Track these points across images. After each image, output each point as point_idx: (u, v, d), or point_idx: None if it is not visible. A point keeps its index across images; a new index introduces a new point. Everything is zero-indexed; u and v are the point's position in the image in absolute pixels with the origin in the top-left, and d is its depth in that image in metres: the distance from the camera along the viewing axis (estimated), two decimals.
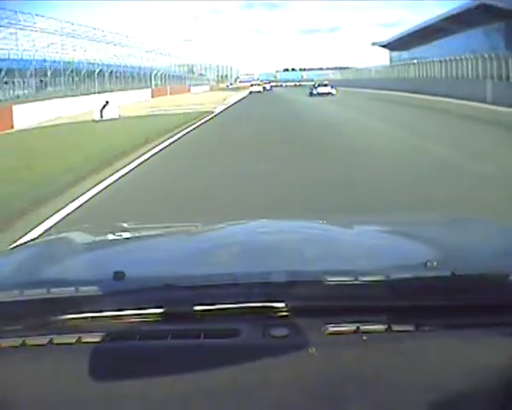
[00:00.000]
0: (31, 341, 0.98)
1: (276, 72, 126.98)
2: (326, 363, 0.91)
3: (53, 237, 1.83)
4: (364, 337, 0.95)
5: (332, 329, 0.97)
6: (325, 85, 51.72)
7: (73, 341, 0.97)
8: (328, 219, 1.90)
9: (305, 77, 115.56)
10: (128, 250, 1.56)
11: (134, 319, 1.01)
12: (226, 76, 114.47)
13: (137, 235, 1.78)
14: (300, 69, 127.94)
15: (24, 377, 0.92)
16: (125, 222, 1.89)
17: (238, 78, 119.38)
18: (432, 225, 1.85)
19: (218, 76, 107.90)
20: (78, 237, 1.71)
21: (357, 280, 1.04)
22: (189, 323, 1.00)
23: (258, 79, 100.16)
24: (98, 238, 1.74)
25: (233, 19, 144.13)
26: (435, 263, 1.10)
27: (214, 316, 1.01)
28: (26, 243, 1.82)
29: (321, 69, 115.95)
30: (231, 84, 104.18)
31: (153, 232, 1.84)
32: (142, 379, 0.89)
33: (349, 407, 0.85)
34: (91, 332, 0.99)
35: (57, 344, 0.97)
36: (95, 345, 0.96)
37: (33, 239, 1.83)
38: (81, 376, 0.91)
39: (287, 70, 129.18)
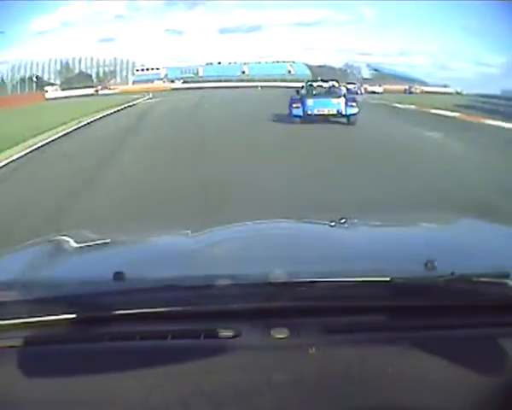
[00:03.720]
0: (31, 340, 0.98)
1: (199, 66, 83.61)
2: (326, 363, 0.91)
3: (53, 237, 1.79)
4: (364, 337, 0.95)
5: (332, 329, 0.97)
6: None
7: (73, 341, 0.98)
8: (328, 220, 1.86)
9: (247, 73, 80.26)
10: (128, 250, 1.58)
11: (134, 319, 1.01)
12: (110, 73, 76.19)
13: (137, 235, 1.78)
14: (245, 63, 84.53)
15: (24, 376, 0.92)
16: (124, 222, 2.06)
17: (133, 74, 78.66)
18: (432, 225, 1.88)
19: (97, 72, 74.43)
20: (78, 237, 1.72)
21: (356, 280, 1.04)
22: (189, 323, 1.00)
23: (166, 76, 77.53)
24: (98, 238, 1.73)
25: (153, 18, 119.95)
26: (435, 263, 1.10)
27: (214, 316, 1.01)
28: (26, 243, 1.74)
29: (277, 62, 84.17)
30: (102, 89, 62.10)
31: (153, 232, 1.83)
32: (143, 379, 0.90)
33: (349, 406, 0.86)
34: (91, 332, 0.99)
35: (57, 344, 0.98)
36: (95, 345, 0.97)
37: (33, 239, 1.75)
38: (81, 375, 0.91)
39: (219, 63, 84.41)
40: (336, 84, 18.95)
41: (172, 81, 74.53)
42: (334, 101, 16.77)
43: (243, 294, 1.04)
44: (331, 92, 17.91)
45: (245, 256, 1.36)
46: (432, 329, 0.99)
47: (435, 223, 1.92)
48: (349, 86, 63.28)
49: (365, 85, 65.26)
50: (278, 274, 1.05)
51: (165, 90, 60.14)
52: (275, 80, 75.27)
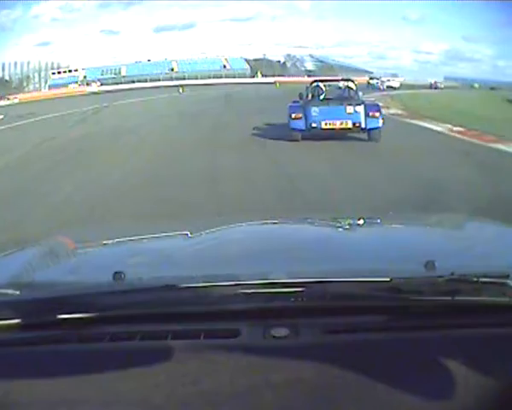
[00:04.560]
0: (31, 341, 0.98)
1: (122, 65, 74.60)
2: (326, 363, 0.91)
3: (53, 237, 1.80)
4: (364, 337, 0.95)
5: (332, 329, 0.97)
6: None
7: (73, 341, 0.98)
8: (328, 220, 1.92)
9: (176, 70, 72.81)
10: (128, 250, 1.57)
11: (134, 319, 1.01)
12: (27, 78, 66.14)
13: (137, 235, 1.76)
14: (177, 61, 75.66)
15: (24, 376, 0.92)
16: (124, 222, 2.06)
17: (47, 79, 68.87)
18: (432, 225, 1.86)
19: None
20: (78, 237, 1.73)
21: (357, 280, 1.04)
22: (189, 323, 1.00)
23: (85, 78, 67.10)
24: (98, 238, 1.73)
25: (89, 19, 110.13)
26: (435, 263, 1.10)
27: (214, 316, 1.01)
28: (26, 243, 1.77)
29: (210, 57, 75.62)
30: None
31: (152, 232, 1.81)
32: (143, 379, 0.90)
33: (349, 406, 0.86)
34: (91, 332, 0.99)
35: (57, 344, 0.98)
36: (95, 345, 0.97)
37: (33, 240, 1.79)
38: (81, 375, 0.91)
39: (149, 61, 76.87)
40: (352, 85, 13.20)
41: (88, 84, 63.72)
42: (350, 109, 11.75)
43: (243, 294, 1.02)
44: (346, 97, 12.64)
45: (245, 256, 1.35)
46: (432, 329, 0.98)
47: (435, 223, 1.91)
48: (371, 81, 56.46)
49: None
50: (278, 274, 1.06)
51: (83, 95, 49.64)
52: (208, 77, 66.32)
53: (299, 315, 1.01)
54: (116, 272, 1.08)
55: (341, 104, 11.97)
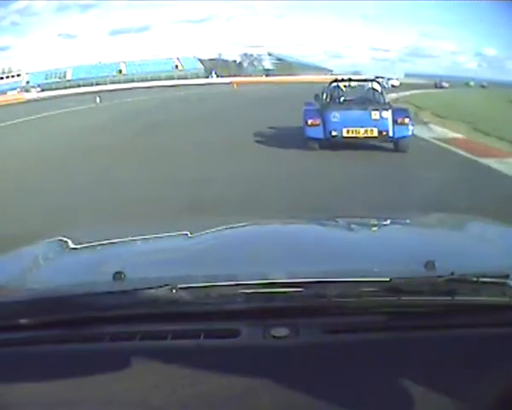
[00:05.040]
0: (31, 340, 0.98)
1: (67, 68, 69.58)
2: (326, 363, 0.91)
3: (53, 237, 1.76)
4: (364, 337, 0.95)
5: (332, 329, 0.97)
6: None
7: (73, 341, 0.98)
8: (328, 220, 1.91)
9: (124, 71, 68.75)
10: (128, 250, 1.57)
11: (134, 319, 1.01)
12: None
13: (137, 235, 1.74)
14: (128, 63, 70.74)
15: (24, 376, 0.92)
16: (124, 222, 2.04)
17: None
18: (432, 225, 1.86)
19: None
20: (78, 237, 1.72)
21: (357, 280, 1.04)
22: (189, 323, 1.00)
23: (28, 83, 61.28)
24: (98, 238, 1.72)
25: (46, 23, 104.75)
26: (435, 263, 1.10)
27: (214, 316, 1.01)
28: (26, 244, 1.75)
29: (162, 57, 71.14)
30: None
31: (152, 232, 1.80)
32: (143, 379, 0.90)
33: (349, 406, 0.86)
34: (91, 332, 0.99)
35: (57, 344, 0.98)
36: (95, 345, 0.97)
37: (33, 240, 1.75)
38: (81, 376, 0.91)
39: (100, 63, 70.17)
40: (377, 86, 11.39)
41: (27, 90, 57.99)
42: (376, 115, 9.86)
43: (243, 294, 1.02)
44: (370, 100, 10.67)
45: (245, 256, 1.35)
46: (432, 329, 0.98)
47: (435, 223, 1.91)
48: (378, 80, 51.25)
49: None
50: (278, 274, 1.07)
51: (20, 103, 43.95)
52: (159, 78, 61.61)
53: (299, 315, 1.01)
54: (116, 272, 1.08)
55: (365, 109, 10.21)
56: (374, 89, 11.32)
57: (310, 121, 10.31)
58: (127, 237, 1.69)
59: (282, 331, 0.96)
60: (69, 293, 1.05)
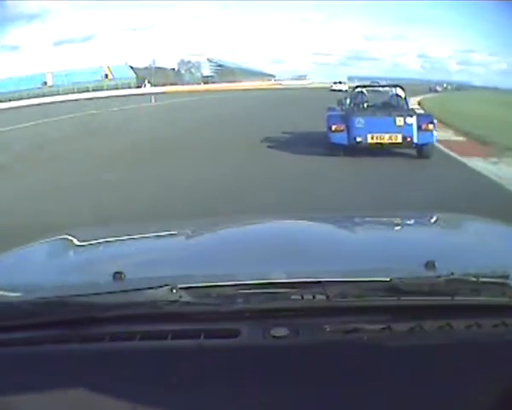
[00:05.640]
0: (31, 340, 0.98)
1: None
2: (326, 363, 0.91)
3: (53, 237, 1.76)
4: (364, 337, 0.95)
5: (332, 329, 0.97)
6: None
7: (73, 341, 0.97)
8: (328, 219, 1.91)
9: (49, 83, 59.98)
10: (128, 250, 1.56)
11: (134, 319, 1.00)
12: None
13: (137, 235, 1.75)
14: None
15: (24, 376, 0.92)
16: (125, 222, 2.02)
17: None
18: (432, 225, 1.87)
19: None
20: (78, 237, 1.70)
21: (357, 280, 1.05)
22: (189, 323, 1.00)
23: None
24: (98, 238, 1.72)
25: None
26: (435, 263, 1.10)
27: (214, 316, 1.01)
28: (25, 244, 1.73)
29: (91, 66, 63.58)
30: None
31: (153, 232, 1.80)
32: (143, 379, 0.89)
33: (349, 406, 0.86)
34: (91, 332, 0.99)
35: (57, 344, 0.97)
36: (94, 345, 0.96)
37: (34, 240, 1.73)
38: (81, 375, 0.91)
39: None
40: (401, 92, 11.34)
41: None
42: (400, 121, 9.93)
43: (243, 294, 1.02)
44: (394, 106, 10.77)
45: (245, 256, 1.34)
46: (432, 329, 0.98)
47: (435, 223, 1.90)
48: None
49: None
50: (278, 274, 1.06)
51: None
52: (87, 89, 55.29)
53: (299, 315, 1.00)
54: (116, 272, 1.08)
55: (390, 115, 10.19)
56: (398, 95, 11.26)
57: (334, 127, 10.26)
58: (127, 236, 1.69)
59: (281, 331, 0.95)
60: (69, 293, 1.04)
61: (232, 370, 0.90)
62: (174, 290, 1.00)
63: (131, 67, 66.61)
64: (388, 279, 1.01)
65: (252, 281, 1.05)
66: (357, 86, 12.25)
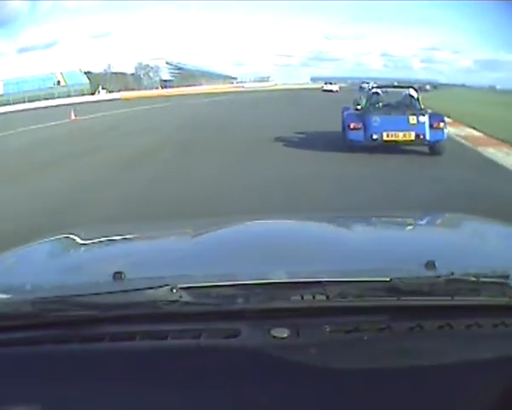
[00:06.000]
0: (31, 340, 0.98)
1: None
2: (326, 363, 0.91)
3: (53, 237, 1.76)
4: (364, 337, 0.95)
5: (332, 329, 0.97)
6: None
7: (73, 341, 0.97)
8: (328, 219, 1.91)
9: (1, 92, 56.17)
10: (128, 250, 1.57)
11: (134, 319, 1.00)
12: None
13: (137, 235, 1.76)
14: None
15: (24, 376, 0.92)
16: (125, 222, 1.99)
17: None
18: (432, 225, 1.88)
19: None
20: (78, 236, 1.69)
21: (357, 280, 1.05)
22: (189, 323, 1.00)
23: None
24: (98, 238, 1.71)
25: None
26: (435, 263, 1.10)
27: (214, 316, 1.01)
28: (25, 244, 1.72)
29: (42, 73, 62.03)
30: None
31: (153, 232, 1.81)
32: (143, 379, 0.89)
33: (349, 406, 0.86)
34: (91, 332, 0.98)
35: (57, 344, 0.97)
36: (94, 345, 0.96)
37: (34, 240, 1.72)
38: (81, 375, 0.91)
39: None
40: (414, 93, 11.97)
41: None
42: (414, 119, 10.74)
43: (243, 294, 1.02)
44: (407, 106, 11.51)
45: (245, 256, 1.34)
46: (432, 329, 0.97)
47: (435, 223, 1.91)
48: (363, 85, 48.70)
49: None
50: (278, 274, 1.06)
51: None
52: (38, 98, 52.09)
53: (299, 315, 1.00)
54: (116, 272, 1.09)
55: (404, 114, 10.96)
56: (411, 95, 11.83)
57: (352, 125, 11.03)
58: (127, 236, 1.69)
59: (282, 332, 0.95)
60: (69, 293, 1.04)
61: (232, 370, 0.90)
62: (174, 290, 0.99)
63: (86, 73, 63.42)
64: (388, 279, 1.01)
65: (252, 281, 1.05)
66: (372, 87, 13.13)
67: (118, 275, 1.08)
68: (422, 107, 11.56)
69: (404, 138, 10.75)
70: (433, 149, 10.92)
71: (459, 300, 0.99)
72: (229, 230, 1.68)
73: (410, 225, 1.90)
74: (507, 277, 1.02)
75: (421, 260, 1.12)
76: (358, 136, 10.93)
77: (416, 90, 12.18)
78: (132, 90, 54.29)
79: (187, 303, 1.00)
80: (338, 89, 53.18)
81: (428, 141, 10.78)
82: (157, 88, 56.29)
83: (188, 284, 1.03)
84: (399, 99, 12.06)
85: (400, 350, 0.93)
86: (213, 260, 1.30)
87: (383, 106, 11.75)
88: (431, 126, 10.74)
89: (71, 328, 0.98)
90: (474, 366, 0.91)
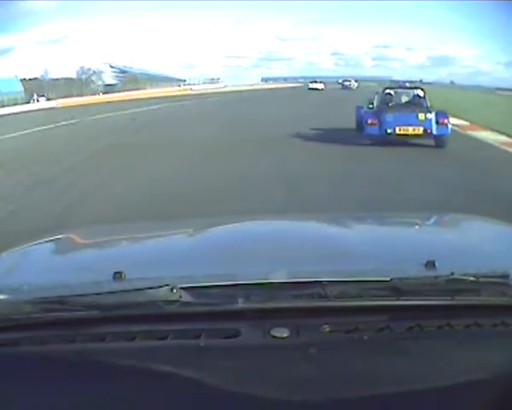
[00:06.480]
0: (31, 340, 0.98)
1: None
2: (326, 363, 0.91)
3: (53, 237, 1.77)
4: (364, 337, 0.95)
5: (332, 329, 0.97)
6: None
7: (73, 341, 0.97)
8: (328, 219, 1.91)
9: None
10: (128, 250, 1.57)
11: (134, 319, 1.00)
12: None
13: (137, 235, 1.75)
14: None
15: (24, 376, 0.92)
16: (125, 222, 2.00)
17: None
18: (432, 225, 1.87)
19: None
20: (79, 237, 1.71)
21: (357, 280, 1.05)
22: (189, 323, 1.00)
23: None
24: (98, 238, 1.72)
25: None
26: (435, 263, 1.11)
27: (214, 316, 1.01)
28: (25, 244, 1.71)
29: None
30: None
31: (152, 232, 1.81)
32: (143, 379, 0.89)
33: (349, 406, 0.86)
34: (91, 332, 0.98)
35: (57, 344, 0.97)
36: (95, 345, 0.96)
37: (33, 240, 1.71)
38: (81, 375, 0.91)
39: None
40: (421, 93, 13.62)
41: None
42: (422, 116, 12.47)
43: (243, 294, 1.02)
44: (417, 104, 13.14)
45: (245, 256, 1.34)
46: (432, 329, 0.97)
47: (435, 223, 1.91)
48: (345, 83, 58.72)
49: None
50: (278, 274, 1.06)
51: None
52: None
53: (299, 315, 1.00)
54: (116, 272, 1.08)
55: (413, 111, 12.54)
56: (419, 95, 13.45)
57: (369, 121, 12.75)
58: (127, 236, 1.69)
59: (282, 332, 0.95)
60: (69, 293, 1.04)
61: (232, 370, 0.90)
62: (174, 290, 1.00)
63: (22, 80, 59.15)
64: (388, 279, 1.01)
65: (252, 281, 1.05)
66: (385, 88, 14.58)
67: (118, 275, 1.08)
68: (429, 105, 13.06)
69: (414, 132, 12.39)
70: (438, 141, 12.45)
71: (459, 300, 1.00)
72: (229, 230, 1.68)
73: (410, 225, 1.89)
74: (507, 277, 1.02)
75: (421, 260, 1.13)
76: (375, 130, 12.62)
77: (423, 90, 13.81)
78: (75, 96, 50.53)
79: (187, 303, 1.00)
80: (323, 87, 55.80)
81: (434, 135, 12.37)
82: (98, 94, 52.89)
83: (188, 284, 1.03)
84: (409, 98, 13.80)
85: (400, 350, 0.93)
86: (213, 260, 1.30)
87: (395, 104, 13.35)
88: (437, 122, 12.33)
89: (71, 328, 0.99)
90: (473, 365, 0.90)
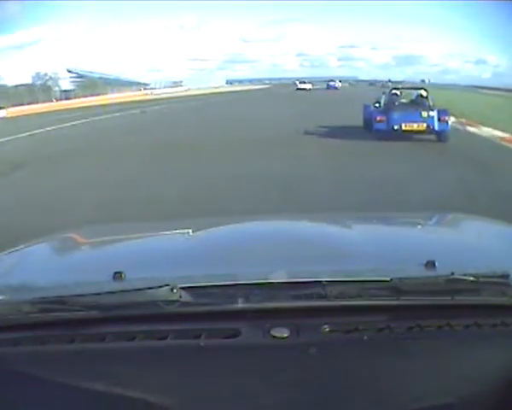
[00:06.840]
0: (31, 340, 0.98)
1: None
2: (326, 363, 0.91)
3: (53, 237, 1.77)
4: (364, 337, 0.95)
5: (332, 329, 0.97)
6: None
7: (73, 341, 0.97)
8: (328, 219, 1.90)
9: None
10: (128, 250, 1.56)
11: (134, 319, 1.00)
12: None
13: (137, 235, 1.74)
14: None
15: (24, 376, 0.91)
16: (125, 222, 2.00)
17: None
18: (432, 225, 1.87)
19: None
20: (78, 237, 1.69)
21: (357, 280, 1.05)
22: (189, 323, 1.00)
23: None
24: (98, 238, 1.71)
25: None
26: (435, 263, 1.11)
27: (214, 316, 1.01)
28: (25, 244, 1.70)
29: None
30: None
31: (153, 232, 1.80)
32: (143, 379, 0.89)
33: (349, 406, 0.86)
34: (91, 332, 0.98)
35: (57, 344, 0.97)
36: (94, 345, 0.96)
37: (33, 240, 1.71)
38: (81, 375, 0.91)
39: None
40: (424, 93, 14.92)
41: None
42: (425, 114, 13.71)
43: (243, 294, 1.02)
44: (420, 103, 14.43)
45: (245, 256, 1.33)
46: (432, 329, 0.97)
47: (435, 223, 1.91)
48: (330, 83, 61.49)
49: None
50: (278, 274, 1.06)
51: None
52: None
53: (299, 315, 1.00)
54: (116, 272, 1.08)
55: (417, 109, 13.76)
56: (422, 95, 14.72)
57: (378, 118, 14.02)
58: (127, 236, 1.68)
59: (282, 331, 0.95)
60: (69, 293, 1.04)
61: (232, 370, 0.90)
62: (174, 290, 0.99)
63: None
64: (388, 279, 1.01)
65: (252, 281, 1.05)
66: (392, 88, 16.05)
67: (118, 275, 1.08)
68: (431, 104, 14.19)
69: (418, 128, 13.59)
70: (440, 137, 13.67)
71: (459, 300, 1.00)
72: (229, 230, 1.68)
73: (410, 225, 1.88)
74: (507, 277, 1.02)
75: (421, 260, 1.12)
76: (383, 126, 13.85)
77: (426, 90, 15.11)
78: (20, 105, 46.59)
79: (187, 303, 1.00)
80: (311, 87, 57.84)
81: (436, 131, 13.58)
82: (52, 100, 49.16)
83: (188, 284, 1.03)
84: (413, 97, 15.14)
85: (400, 350, 0.93)
86: (213, 260, 1.30)
87: (401, 103, 14.67)
88: (439, 119, 13.51)
89: (71, 328, 0.99)
90: (473, 365, 0.90)
